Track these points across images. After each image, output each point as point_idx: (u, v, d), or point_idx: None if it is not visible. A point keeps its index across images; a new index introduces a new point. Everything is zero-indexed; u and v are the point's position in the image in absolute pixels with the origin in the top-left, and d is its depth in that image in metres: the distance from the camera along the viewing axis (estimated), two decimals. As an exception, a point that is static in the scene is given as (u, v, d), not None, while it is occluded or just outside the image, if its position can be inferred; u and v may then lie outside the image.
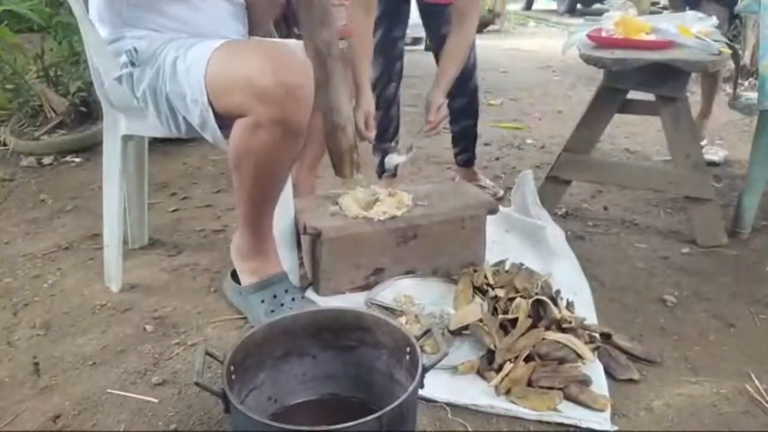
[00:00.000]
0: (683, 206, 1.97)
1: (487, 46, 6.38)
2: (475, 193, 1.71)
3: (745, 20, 4.17)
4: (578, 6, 10.63)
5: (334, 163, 1.49)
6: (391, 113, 2.15)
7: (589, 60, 1.71)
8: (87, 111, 2.92)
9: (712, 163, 2.48)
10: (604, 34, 1.87)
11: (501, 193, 2.26)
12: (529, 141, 3.00)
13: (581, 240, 1.88)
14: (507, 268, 1.55)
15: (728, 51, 1.78)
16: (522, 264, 1.54)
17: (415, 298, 1.49)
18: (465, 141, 2.28)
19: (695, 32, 1.90)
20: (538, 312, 1.28)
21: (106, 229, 1.59)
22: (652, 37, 1.83)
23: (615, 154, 2.78)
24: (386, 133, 2.15)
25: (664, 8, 4.71)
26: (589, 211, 2.13)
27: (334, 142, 1.45)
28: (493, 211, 1.62)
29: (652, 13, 3.97)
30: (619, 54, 1.68)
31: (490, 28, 8.04)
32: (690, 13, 2.11)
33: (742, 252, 1.80)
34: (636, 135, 3.02)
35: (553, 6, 11.47)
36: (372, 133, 1.72)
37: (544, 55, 5.68)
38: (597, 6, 9.84)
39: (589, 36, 1.85)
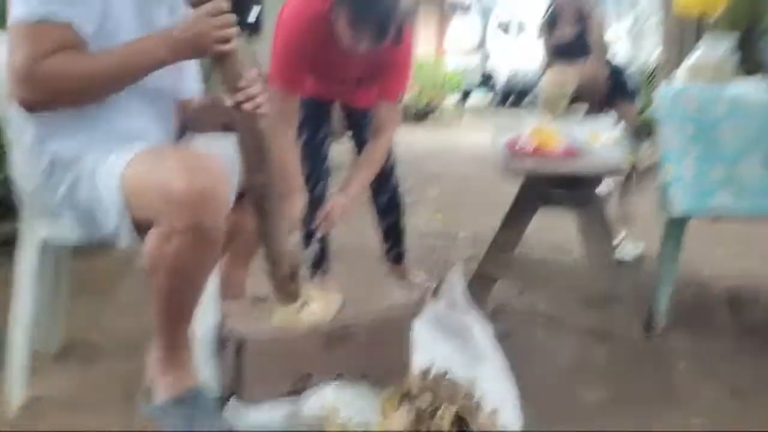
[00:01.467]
0: (602, 302, 2.06)
1: (423, 139, 6.67)
2: (404, 295, 1.73)
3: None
4: (510, 98, 11.46)
5: (273, 289, 1.49)
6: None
7: (507, 170, 1.83)
8: (7, 207, 2.80)
9: (626, 262, 2.61)
10: (519, 145, 2.01)
11: (433, 287, 2.29)
12: (461, 234, 3.08)
13: (508, 337, 1.91)
14: (432, 375, 1.54)
15: (632, 159, 1.95)
16: (446, 372, 1.54)
17: (341, 407, 1.46)
18: (393, 237, 2.32)
19: (603, 140, 2.07)
20: (461, 424, 1.27)
21: (13, 336, 1.49)
22: (563, 146, 1.98)
23: (539, 248, 2.84)
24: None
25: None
26: (517, 307, 2.18)
27: (274, 276, 1.46)
28: (420, 313, 1.64)
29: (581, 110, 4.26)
30: (530, 164, 1.82)
31: (430, 117, 8.52)
32: (604, 119, 2.31)
33: (659, 347, 1.88)
34: (561, 228, 3.14)
35: (489, 99, 12.30)
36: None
37: (479, 147, 5.96)
38: (527, 99, 10.64)
39: (507, 145, 1.99)
